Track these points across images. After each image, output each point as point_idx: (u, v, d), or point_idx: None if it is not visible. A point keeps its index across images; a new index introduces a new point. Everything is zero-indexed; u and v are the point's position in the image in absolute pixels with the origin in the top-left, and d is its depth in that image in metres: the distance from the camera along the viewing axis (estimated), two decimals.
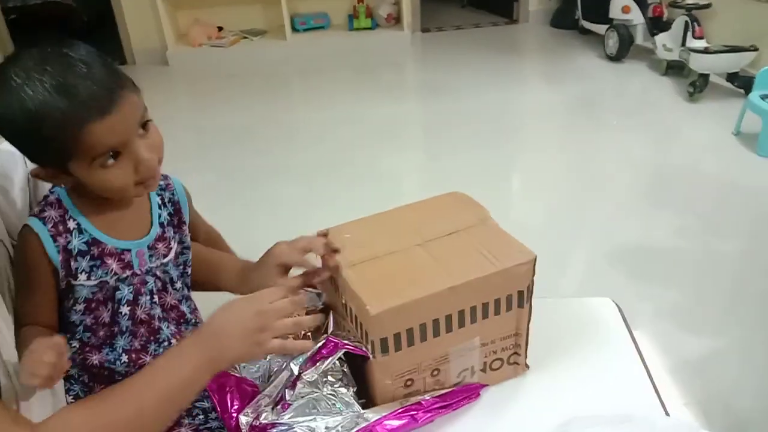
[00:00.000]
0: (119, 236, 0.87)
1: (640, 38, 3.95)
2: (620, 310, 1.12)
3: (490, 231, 0.95)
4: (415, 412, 0.86)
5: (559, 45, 4.62)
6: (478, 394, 0.93)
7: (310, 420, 0.83)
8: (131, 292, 0.89)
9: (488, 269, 0.86)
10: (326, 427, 0.82)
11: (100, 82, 0.74)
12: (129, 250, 0.88)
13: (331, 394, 0.85)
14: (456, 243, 0.92)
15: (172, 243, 0.94)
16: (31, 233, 0.83)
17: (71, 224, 0.84)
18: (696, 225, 2.37)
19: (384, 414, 0.84)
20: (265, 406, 0.84)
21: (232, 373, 0.89)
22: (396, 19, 4.84)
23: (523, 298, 0.90)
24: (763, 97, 2.80)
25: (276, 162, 3.07)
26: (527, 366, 0.98)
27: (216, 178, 2.91)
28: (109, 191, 0.82)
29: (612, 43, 4.07)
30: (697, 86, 3.36)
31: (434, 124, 3.55)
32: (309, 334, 0.95)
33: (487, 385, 0.95)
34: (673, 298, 1.97)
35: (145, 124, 0.80)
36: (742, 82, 3.34)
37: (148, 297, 0.91)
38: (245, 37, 4.73)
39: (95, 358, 0.90)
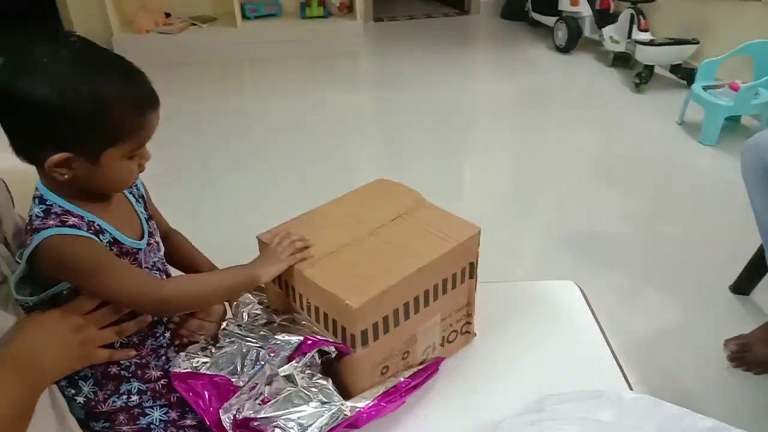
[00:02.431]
0: (130, 236, 0.85)
1: (588, 30, 4.04)
2: (582, 291, 1.15)
3: (430, 211, 0.98)
4: (393, 396, 0.87)
5: (509, 36, 4.68)
6: (437, 369, 0.95)
7: (295, 410, 0.81)
8: None
9: (446, 246, 0.88)
10: (308, 415, 0.81)
11: (148, 80, 0.81)
12: (140, 249, 0.86)
13: (312, 386, 0.83)
14: (404, 227, 0.94)
15: (157, 237, 0.93)
16: (82, 238, 0.76)
17: (94, 227, 0.79)
18: (642, 210, 2.45)
19: (367, 403, 0.84)
20: (245, 400, 0.83)
21: (202, 371, 0.88)
22: (348, 8, 4.81)
23: (474, 268, 0.94)
24: (705, 88, 2.92)
25: (226, 151, 3.01)
26: (475, 333, 1.02)
27: (164, 168, 2.81)
28: (118, 183, 0.82)
29: (561, 34, 4.15)
30: (643, 77, 3.47)
31: (386, 114, 3.55)
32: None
33: (444, 358, 0.98)
34: (619, 280, 2.03)
35: None
36: (685, 74, 3.47)
37: None
38: (194, 24, 4.61)
39: None
